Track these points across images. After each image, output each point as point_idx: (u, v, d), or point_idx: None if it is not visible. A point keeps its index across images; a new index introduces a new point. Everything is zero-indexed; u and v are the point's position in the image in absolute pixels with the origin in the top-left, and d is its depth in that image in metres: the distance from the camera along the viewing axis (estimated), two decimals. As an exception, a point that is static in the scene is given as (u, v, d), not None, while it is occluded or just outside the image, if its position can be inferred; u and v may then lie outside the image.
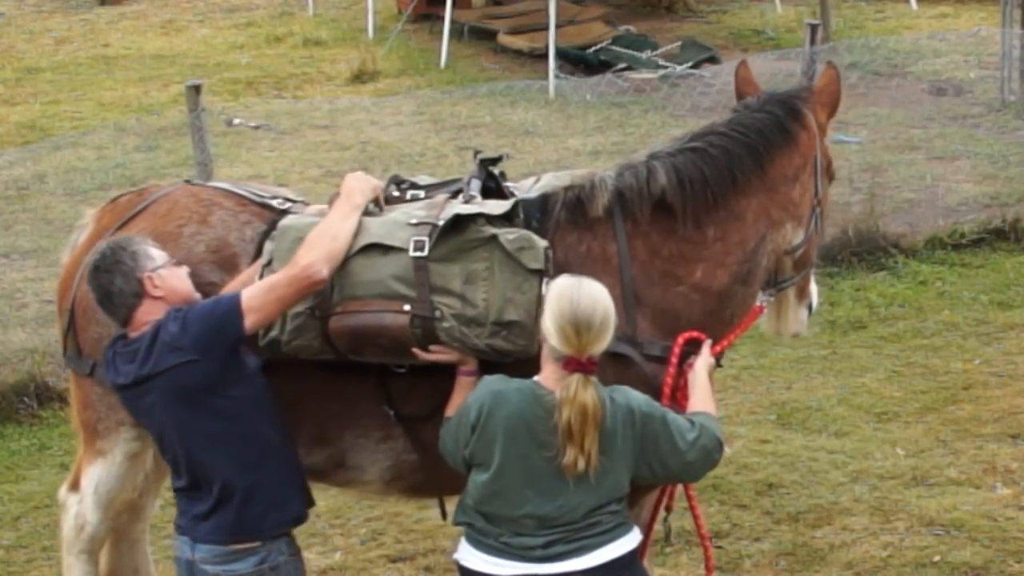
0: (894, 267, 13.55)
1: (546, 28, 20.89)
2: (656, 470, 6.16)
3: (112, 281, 6.35)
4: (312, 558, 9.42)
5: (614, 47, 21.93)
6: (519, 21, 23.21)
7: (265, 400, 6.49)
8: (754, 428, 10.83)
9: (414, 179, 7.25)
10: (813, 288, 7.26)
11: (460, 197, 6.84)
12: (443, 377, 6.60)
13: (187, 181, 7.89)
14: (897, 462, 10.34)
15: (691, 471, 6.27)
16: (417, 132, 18.42)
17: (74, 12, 27.14)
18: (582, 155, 16.45)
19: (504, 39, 22.93)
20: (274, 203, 7.25)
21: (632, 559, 6.17)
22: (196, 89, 12.63)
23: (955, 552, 9.10)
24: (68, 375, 8.01)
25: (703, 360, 6.65)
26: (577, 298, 6.00)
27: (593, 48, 21.95)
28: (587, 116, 18.93)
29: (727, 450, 9.69)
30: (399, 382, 6.83)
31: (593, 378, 6.00)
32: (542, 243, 6.52)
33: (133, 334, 6.41)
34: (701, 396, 6.48)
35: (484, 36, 23.40)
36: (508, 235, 6.47)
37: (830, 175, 7.19)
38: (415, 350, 6.53)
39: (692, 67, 20.86)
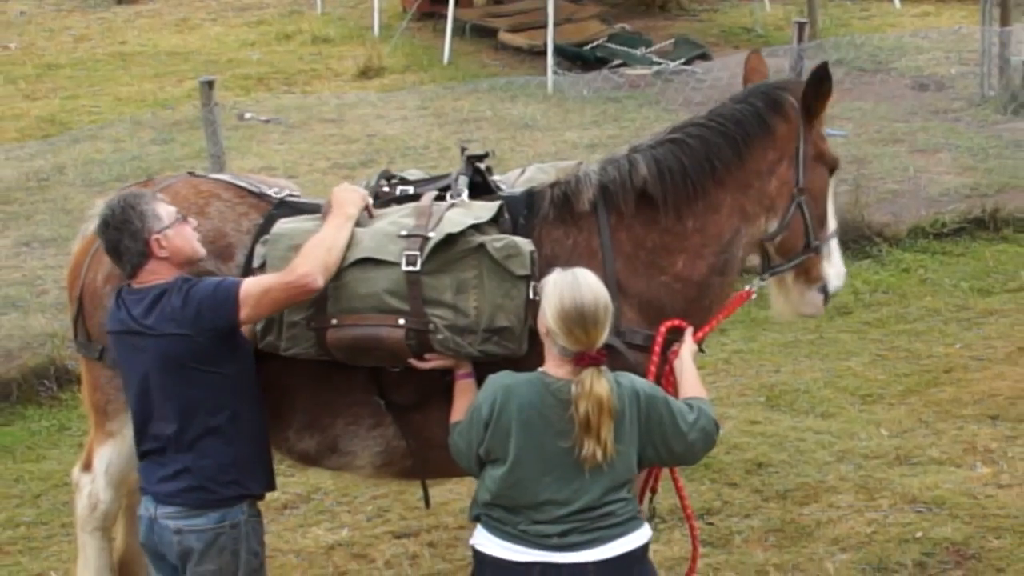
0: (878, 255, 13.56)
1: (544, 26, 20.90)
2: (661, 452, 6.14)
3: (120, 239, 6.36)
4: (320, 534, 9.45)
5: (610, 44, 21.94)
6: (519, 19, 23.22)
7: (249, 381, 6.51)
8: (744, 410, 10.82)
9: (403, 174, 7.28)
10: (829, 271, 7.08)
11: (448, 195, 6.87)
12: (431, 368, 6.64)
13: (190, 173, 7.87)
14: (881, 442, 10.34)
15: (693, 452, 6.22)
16: (421, 126, 18.42)
17: (92, 11, 27.13)
18: (579, 148, 16.45)
19: (504, 37, 22.96)
20: (271, 192, 7.27)
21: (643, 554, 6.12)
22: (209, 84, 12.63)
23: (937, 528, 9.10)
24: (80, 360, 8.01)
25: (687, 347, 6.64)
26: (579, 297, 5.96)
27: (590, 45, 21.96)
28: (584, 110, 18.93)
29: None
30: (389, 374, 6.81)
31: (603, 367, 6.00)
32: (528, 248, 6.50)
33: (137, 285, 6.42)
34: (691, 381, 6.46)
35: (485, 34, 23.41)
36: (495, 243, 6.46)
37: (828, 164, 7.03)
38: (411, 360, 6.57)
39: (685, 63, 20.89)
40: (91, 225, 7.56)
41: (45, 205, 15.56)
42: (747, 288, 7.04)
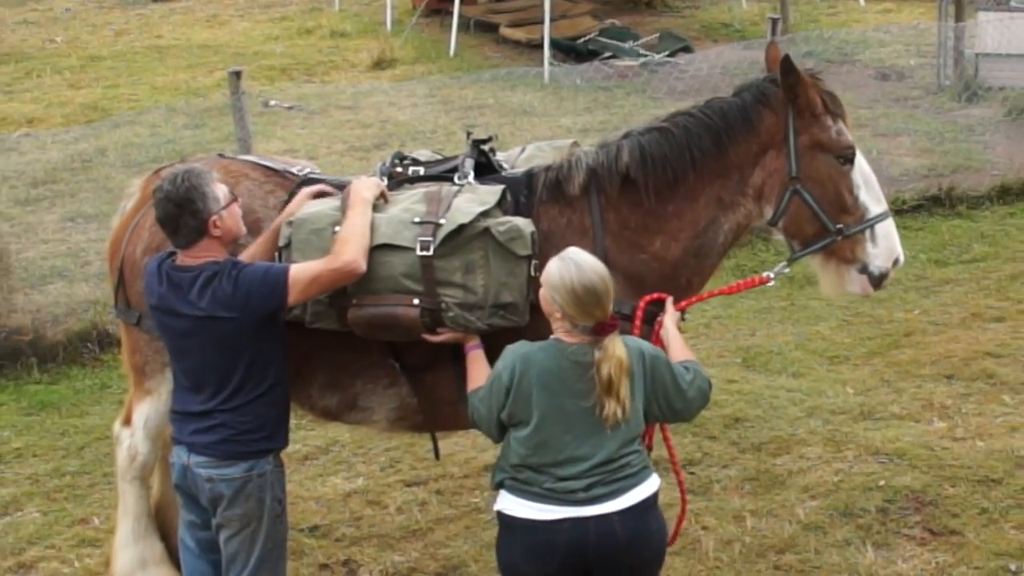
0: (844, 229, 13.52)
1: (541, 22, 20.94)
2: (663, 408, 6.10)
3: (180, 215, 6.27)
4: (338, 483, 9.45)
5: (601, 38, 21.92)
6: (518, 16, 23.21)
7: (282, 353, 6.50)
8: (722, 370, 10.81)
9: (415, 155, 7.27)
10: (871, 251, 6.73)
11: (455, 176, 6.88)
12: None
13: (220, 155, 7.90)
14: (847, 399, 10.33)
15: (690, 409, 6.19)
16: (429, 112, 18.40)
17: (131, 7, 27.09)
18: (573, 132, 16.40)
19: (505, 31, 22.93)
20: (294, 171, 7.31)
21: (655, 500, 6.08)
22: (237, 75, 12.60)
23: (897, 477, 9.10)
24: (119, 325, 8.02)
25: (670, 316, 6.59)
26: (587, 280, 5.92)
27: (582, 39, 21.93)
28: (577, 98, 18.90)
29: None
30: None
31: (617, 334, 5.98)
32: (528, 230, 6.50)
33: (186, 261, 6.35)
34: (678, 347, 6.41)
35: (487, 29, 23.38)
36: (499, 227, 6.46)
37: (834, 152, 6.67)
38: (425, 335, 6.58)
39: (669, 56, 20.85)
40: (129, 203, 7.62)
41: (88, 184, 15.54)
42: (766, 273, 6.93)
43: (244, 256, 6.64)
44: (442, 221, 6.48)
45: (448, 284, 6.48)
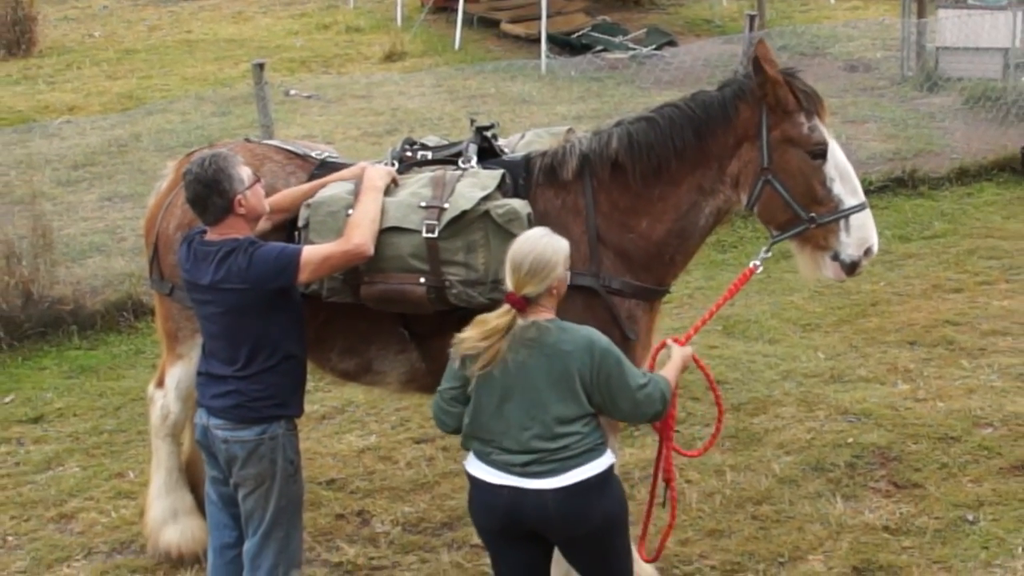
0: (816, 208, 13.49)
1: (539, 18, 20.90)
2: (606, 401, 5.86)
3: (209, 195, 6.26)
4: (352, 440, 9.45)
5: (593, 33, 21.87)
6: (518, 13, 23.17)
7: (298, 326, 6.49)
8: (704, 336, 10.77)
9: (423, 140, 7.29)
10: (845, 240, 6.63)
11: (460, 160, 6.91)
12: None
13: (246, 139, 7.98)
14: (818, 363, 10.33)
15: (637, 413, 5.93)
16: (436, 101, 18.36)
17: (163, 5, 27.02)
18: (568, 119, 16.36)
19: (505, 27, 22.90)
20: (313, 154, 7.37)
21: (600, 480, 5.88)
22: (260, 67, 12.58)
23: (864, 435, 9.10)
24: (154, 296, 8.04)
25: (682, 351, 6.47)
26: (517, 245, 5.88)
27: (576, 34, 21.89)
28: (572, 88, 18.86)
29: (689, 348, 9.61)
30: None
31: (516, 313, 5.82)
32: (525, 211, 6.53)
33: (212, 237, 6.35)
34: (669, 369, 6.27)
35: (489, 24, 23.34)
36: (498, 210, 6.50)
37: (805, 147, 6.56)
38: None
39: (655, 49, 20.81)
40: (163, 183, 7.68)
41: (124, 167, 15.52)
42: (752, 264, 6.84)
43: (272, 200, 6.76)
44: (446, 205, 6.54)
45: (452, 263, 6.55)
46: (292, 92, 19.05)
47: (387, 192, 6.71)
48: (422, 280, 6.56)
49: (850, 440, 9.07)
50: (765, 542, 7.97)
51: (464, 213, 6.50)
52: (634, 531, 7.85)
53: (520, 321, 5.84)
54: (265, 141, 7.86)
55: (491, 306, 6.52)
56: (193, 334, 7.22)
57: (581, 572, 6.14)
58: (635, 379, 5.88)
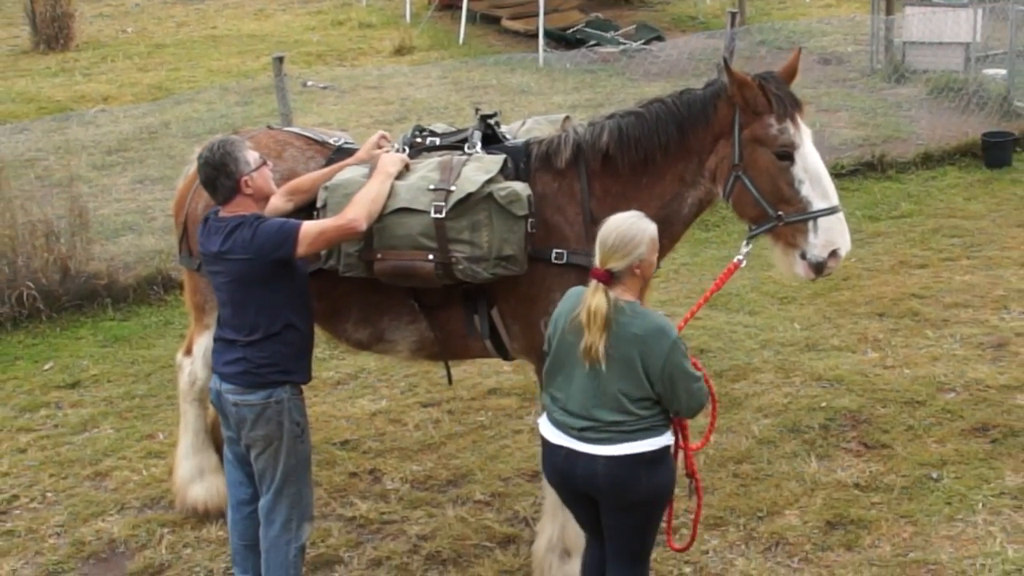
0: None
1: (537, 15, 20.83)
2: (667, 391, 5.75)
3: (217, 177, 6.31)
4: (365, 404, 9.45)
5: (587, 29, 21.79)
6: (517, 10, 23.08)
7: (300, 298, 6.48)
8: (689, 309, 10.74)
9: (432, 127, 7.29)
10: (812, 241, 6.45)
11: (465, 145, 6.92)
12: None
13: (268, 126, 8.04)
14: (794, 333, 10.31)
15: (690, 403, 5.83)
16: (442, 91, 18.32)
17: (190, 3, 26.95)
18: (563, 108, 16.33)
19: (506, 23, 22.84)
20: (331, 141, 7.40)
21: (650, 457, 5.82)
22: (280, 60, 12.56)
23: (837, 399, 9.10)
24: (182, 271, 8.06)
25: None
26: (608, 223, 5.87)
27: (571, 30, 21.81)
28: (567, 79, 18.81)
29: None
30: None
31: (604, 287, 5.75)
32: (525, 193, 6.55)
33: (224, 214, 6.38)
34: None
35: (491, 21, 23.26)
36: (501, 192, 6.52)
37: (772, 148, 6.43)
38: None
39: (644, 44, 20.72)
40: (192, 167, 7.70)
41: (154, 152, 15.50)
42: (736, 259, 6.70)
43: (292, 184, 6.86)
44: (453, 188, 6.55)
45: (458, 241, 6.55)
46: (309, 83, 18.99)
47: (399, 176, 6.70)
48: (430, 257, 6.56)
49: (823, 404, 9.07)
50: (745, 498, 7.97)
51: (469, 195, 6.51)
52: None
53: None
54: (287, 128, 7.91)
55: (494, 281, 6.66)
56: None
57: (613, 539, 6.10)
58: (692, 372, 5.83)
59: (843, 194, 13.15)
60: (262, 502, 6.58)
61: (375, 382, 9.85)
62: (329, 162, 7.10)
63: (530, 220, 6.55)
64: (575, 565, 6.96)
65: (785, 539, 7.56)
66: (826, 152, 14.32)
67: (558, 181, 6.80)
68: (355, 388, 9.76)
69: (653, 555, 7.42)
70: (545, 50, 20.17)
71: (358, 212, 6.35)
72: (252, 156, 6.39)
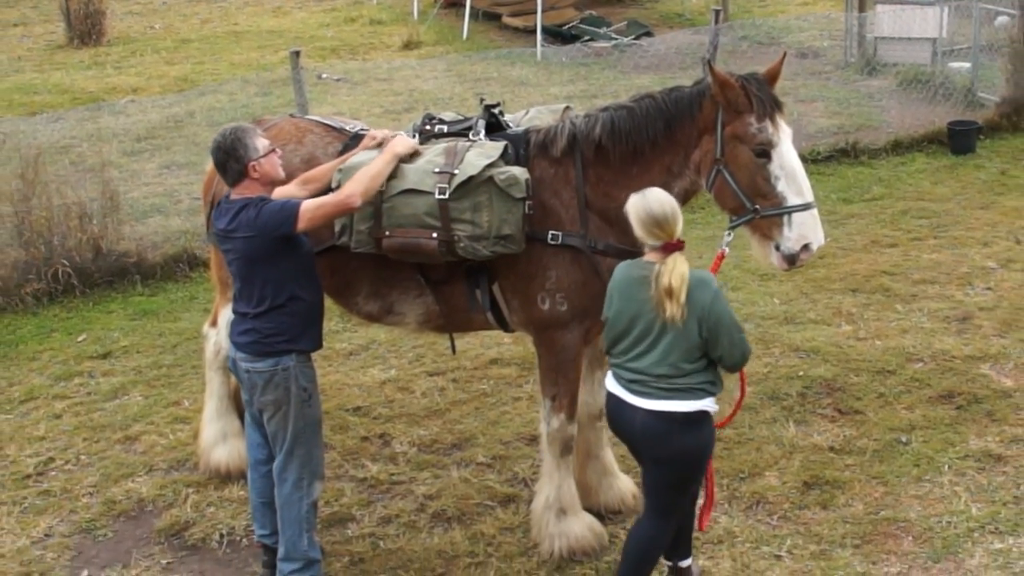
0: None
1: (535, 12, 20.75)
2: (711, 337, 5.88)
3: (227, 160, 6.32)
4: (375, 373, 9.44)
5: (581, 25, 21.69)
6: (517, 8, 22.98)
7: (305, 272, 6.47)
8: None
9: (441, 115, 7.28)
10: (786, 234, 6.38)
11: (470, 133, 6.93)
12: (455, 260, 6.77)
13: (291, 115, 8.10)
14: (774, 308, 10.28)
15: (732, 352, 5.94)
16: (447, 83, 18.26)
17: (214, 1, 26.81)
18: (560, 98, 16.26)
19: (506, 20, 22.76)
20: (348, 128, 7.39)
21: (686, 419, 5.91)
22: (296, 54, 12.56)
23: (813, 369, 9.09)
24: (209, 248, 8.06)
25: None
26: (645, 205, 5.95)
27: (567, 26, 21.70)
28: (563, 72, 18.75)
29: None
30: None
31: (682, 255, 5.92)
32: (523, 177, 6.56)
33: (234, 197, 6.38)
34: None
35: (493, 18, 23.17)
36: (500, 175, 6.53)
37: (750, 145, 6.37)
38: None
39: (634, 39, 20.63)
40: None
41: (180, 140, 15.46)
42: (722, 248, 6.66)
43: (307, 175, 6.85)
44: (456, 172, 6.55)
45: (460, 221, 6.55)
46: (324, 76, 18.92)
47: (408, 160, 6.71)
48: (434, 235, 6.57)
49: (801, 373, 9.05)
50: (729, 460, 7.95)
51: (471, 178, 6.52)
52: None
53: (651, 260, 5.97)
54: (307, 117, 7.94)
55: (495, 258, 6.67)
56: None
57: (648, 491, 6.20)
58: (736, 321, 5.97)
59: (819, 179, 13.29)
60: (275, 462, 6.58)
61: (385, 353, 9.82)
62: (345, 148, 7.11)
63: (528, 202, 6.56)
64: (570, 522, 7.02)
65: (765, 499, 7.55)
66: (803, 140, 14.31)
67: (555, 167, 6.79)
68: (366, 358, 9.74)
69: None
70: (543, 45, 20.09)
71: (354, 188, 6.35)
72: (261, 143, 6.38)
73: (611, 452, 7.55)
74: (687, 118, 6.63)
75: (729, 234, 6.68)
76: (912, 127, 15.09)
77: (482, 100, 7.24)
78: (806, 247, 6.42)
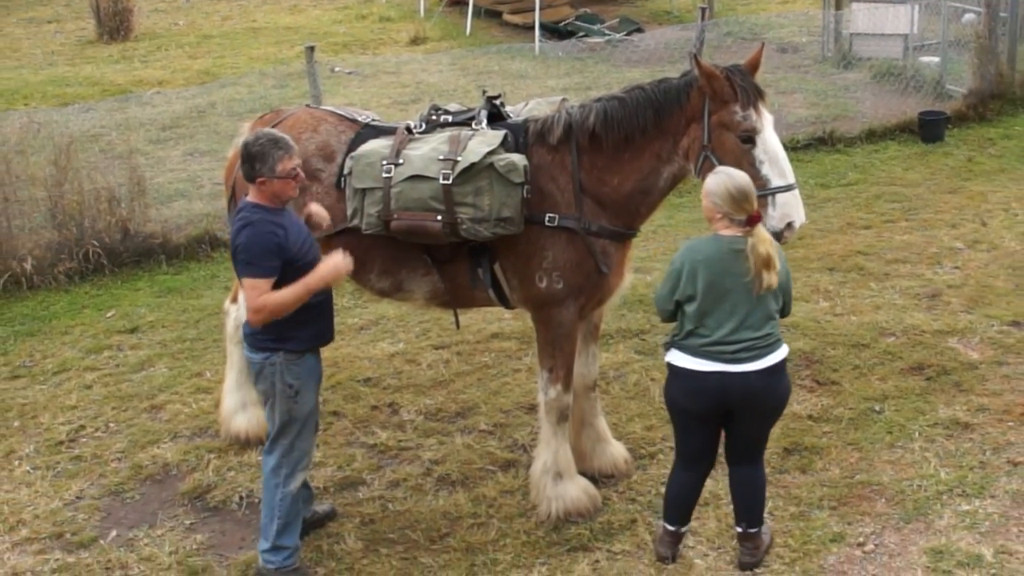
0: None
1: (533, 10, 20.70)
2: (785, 296, 6.19)
3: (245, 162, 6.13)
4: (384, 346, 9.42)
5: (577, 22, 21.61)
6: (516, 6, 22.90)
7: (293, 280, 6.07)
8: (664, 264, 10.63)
9: (446, 106, 7.25)
10: (771, 214, 6.31)
11: (473, 123, 6.89)
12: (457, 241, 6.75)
13: (307, 105, 8.11)
14: (756, 286, 10.22)
15: (788, 310, 6.30)
16: (451, 76, 18.20)
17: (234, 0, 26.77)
18: (556, 90, 16.19)
19: (507, 17, 22.68)
20: (360, 118, 7.35)
21: (783, 365, 6.13)
22: (311, 49, 12.53)
23: (793, 342, 9.00)
24: (229, 228, 8.03)
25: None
26: (735, 182, 5.95)
27: (563, 23, 21.63)
28: (559, 66, 18.67)
29: (648, 278, 9.56)
30: None
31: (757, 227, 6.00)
32: (522, 163, 6.54)
33: (247, 198, 6.24)
34: None
35: (494, 15, 23.09)
36: (500, 162, 6.51)
37: (736, 133, 6.35)
38: None
39: (626, 35, 20.55)
40: (240, 140, 7.63)
41: (202, 128, 15.41)
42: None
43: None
44: (459, 159, 6.53)
45: (463, 204, 6.53)
46: (336, 69, 18.85)
47: (412, 147, 6.71)
48: (439, 218, 6.55)
49: (781, 347, 9.00)
50: (714, 428, 7.90)
51: (473, 164, 6.49)
52: (610, 419, 7.81)
53: (737, 234, 5.99)
54: (322, 107, 7.88)
55: (495, 239, 6.64)
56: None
57: (745, 446, 6.34)
58: (792, 284, 6.25)
59: (798, 165, 13.18)
60: (265, 444, 6.52)
61: (393, 327, 9.78)
62: (358, 135, 7.08)
63: (526, 187, 6.54)
64: (566, 486, 6.99)
65: (748, 463, 7.50)
66: (783, 129, 14.23)
67: (552, 154, 6.75)
68: (376, 333, 9.70)
69: (633, 479, 7.44)
70: (540, 40, 20.01)
71: (259, 307, 5.96)
72: (283, 167, 6.10)
73: (604, 420, 7.53)
74: (675, 107, 6.60)
75: None
76: (885, 117, 15.04)
77: (484, 92, 7.22)
78: (789, 225, 6.40)
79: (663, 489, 7.28)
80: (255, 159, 6.10)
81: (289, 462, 6.42)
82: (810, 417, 8.04)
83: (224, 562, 6.83)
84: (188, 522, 7.24)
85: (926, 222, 11.67)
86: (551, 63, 18.88)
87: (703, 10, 15.09)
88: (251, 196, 6.19)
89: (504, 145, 6.65)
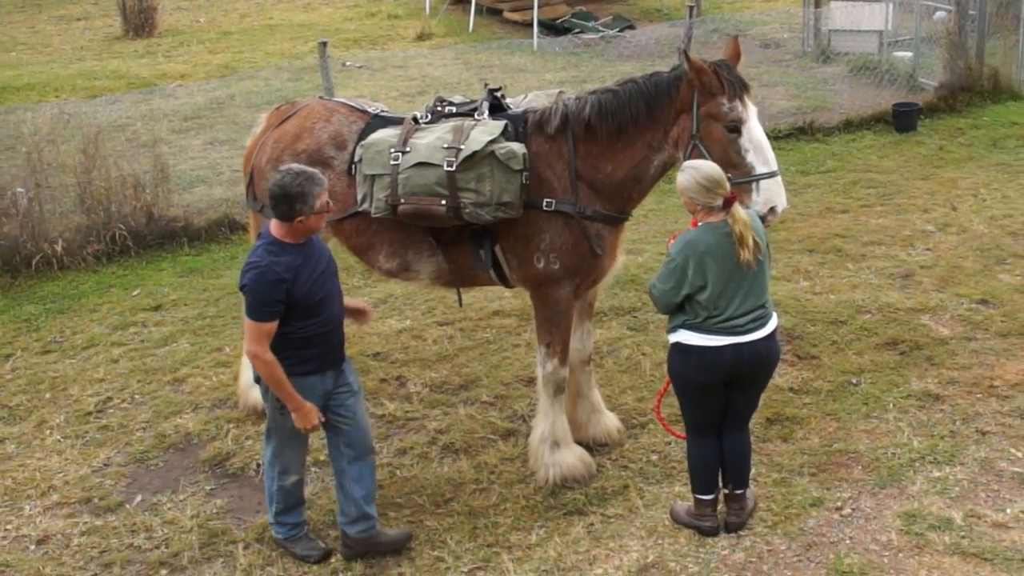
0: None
1: (532, 7, 20.62)
2: (766, 264, 6.18)
3: (281, 203, 5.77)
4: (392, 323, 9.38)
5: (572, 19, 21.51)
6: (516, 3, 22.78)
7: (301, 312, 5.88)
8: (655, 245, 10.66)
9: (450, 98, 7.23)
10: (756, 199, 6.32)
11: (476, 114, 6.87)
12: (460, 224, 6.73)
13: (320, 97, 8.09)
14: (740, 266, 10.18)
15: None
16: (455, 70, 18.13)
17: (251, -1, 26.71)
18: (554, 83, 16.12)
19: (507, 14, 22.59)
20: (370, 109, 7.33)
21: (776, 329, 6.21)
22: (324, 44, 12.44)
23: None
24: (248, 213, 8.00)
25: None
26: (702, 173, 5.92)
27: (560, 20, 21.54)
28: (556, 60, 18.60)
29: (639, 259, 9.51)
30: None
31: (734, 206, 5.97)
32: (521, 151, 6.52)
33: (271, 231, 5.92)
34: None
35: (495, 13, 22.98)
36: (501, 150, 6.50)
37: (723, 123, 6.32)
38: None
39: (619, 32, 20.47)
40: (258, 128, 7.77)
41: (222, 119, 15.32)
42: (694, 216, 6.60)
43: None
44: (462, 147, 6.52)
45: (465, 190, 6.51)
46: (347, 63, 18.76)
47: (418, 136, 6.69)
48: (443, 202, 6.54)
49: (764, 323, 8.96)
50: (701, 400, 7.87)
51: (475, 152, 6.47)
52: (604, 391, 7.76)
53: (724, 218, 5.96)
54: (335, 98, 7.88)
55: (496, 223, 6.63)
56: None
57: (741, 411, 6.36)
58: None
59: (780, 153, 13.10)
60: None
61: (401, 305, 9.74)
62: (368, 125, 7.05)
63: (525, 174, 6.52)
64: (563, 454, 6.98)
65: (733, 433, 7.47)
66: (766, 119, 14.14)
67: (549, 143, 6.72)
68: (384, 310, 9.66)
69: (625, 447, 7.41)
70: (539, 37, 19.93)
71: (252, 359, 5.84)
72: (320, 201, 5.82)
73: (598, 392, 7.51)
74: (666, 99, 6.56)
75: None
76: (861, 108, 14.97)
77: (486, 85, 7.20)
78: (772, 209, 6.39)
79: (653, 456, 7.27)
80: (295, 200, 5.74)
81: (281, 463, 6.34)
82: (791, 389, 8.01)
83: (242, 525, 6.81)
84: (208, 488, 7.22)
85: (900, 207, 11.62)
86: (549, 58, 18.81)
87: (691, 8, 15.05)
88: (277, 231, 5.88)
89: (505, 134, 6.62)
